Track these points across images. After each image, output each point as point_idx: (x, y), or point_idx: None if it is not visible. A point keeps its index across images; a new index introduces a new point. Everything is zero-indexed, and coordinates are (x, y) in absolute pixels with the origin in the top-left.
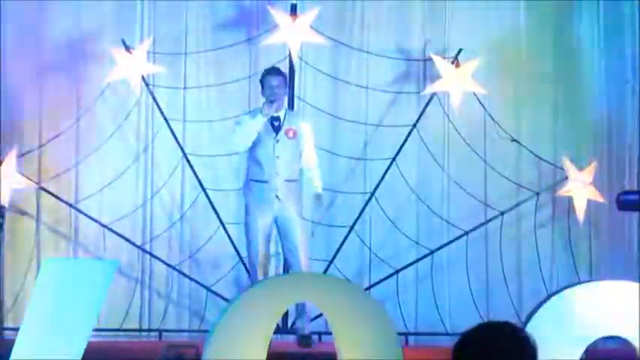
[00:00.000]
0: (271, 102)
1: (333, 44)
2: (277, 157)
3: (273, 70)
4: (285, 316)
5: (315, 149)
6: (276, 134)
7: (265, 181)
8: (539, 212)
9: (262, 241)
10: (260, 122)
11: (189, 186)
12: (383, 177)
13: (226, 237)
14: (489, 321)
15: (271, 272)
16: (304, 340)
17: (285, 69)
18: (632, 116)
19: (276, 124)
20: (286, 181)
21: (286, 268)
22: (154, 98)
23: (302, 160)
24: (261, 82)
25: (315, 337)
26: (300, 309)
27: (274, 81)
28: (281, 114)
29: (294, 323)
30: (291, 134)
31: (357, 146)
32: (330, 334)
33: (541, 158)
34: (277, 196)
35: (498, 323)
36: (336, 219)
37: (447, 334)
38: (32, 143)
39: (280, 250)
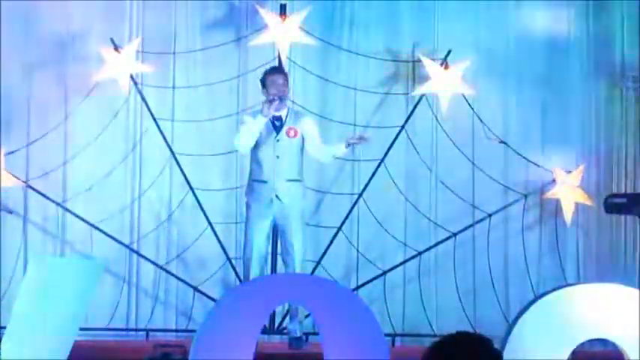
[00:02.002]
0: (271, 101)
1: (322, 45)
2: (277, 156)
3: (277, 69)
4: (273, 316)
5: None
6: (277, 134)
7: (265, 181)
8: (526, 214)
9: (260, 241)
10: (261, 122)
11: (177, 185)
12: (371, 178)
13: (214, 237)
14: (458, 332)
15: (266, 272)
16: (296, 342)
17: None
18: (620, 119)
19: (277, 123)
20: (288, 181)
21: (274, 269)
22: (142, 97)
23: (313, 153)
24: (263, 81)
25: (303, 338)
26: (293, 312)
27: (280, 79)
28: (283, 113)
29: (280, 323)
30: (292, 134)
31: None
32: (317, 334)
33: (529, 160)
34: (277, 196)
35: (467, 334)
36: (324, 220)
37: (434, 335)
38: (20, 141)
39: (273, 250)
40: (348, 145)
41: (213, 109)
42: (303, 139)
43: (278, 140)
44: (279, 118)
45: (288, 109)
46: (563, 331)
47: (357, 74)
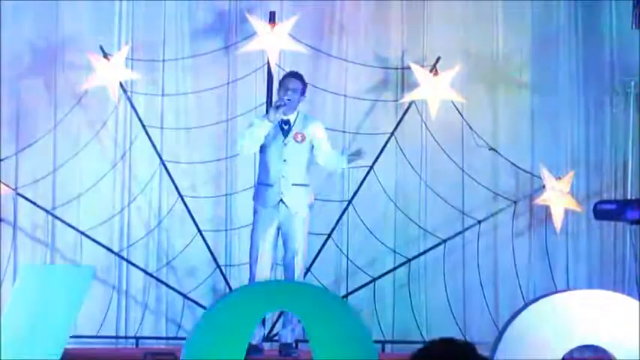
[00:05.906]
0: (278, 107)
1: (312, 52)
2: (284, 160)
3: (293, 74)
4: (262, 324)
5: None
6: (285, 137)
7: (271, 185)
8: (516, 221)
9: (265, 246)
10: (266, 127)
11: (167, 193)
12: (361, 185)
13: (203, 244)
14: (442, 338)
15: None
16: (286, 348)
17: (262, 77)
18: (610, 125)
19: (285, 127)
20: (294, 185)
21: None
22: (131, 105)
23: (322, 161)
24: (280, 83)
25: (293, 345)
26: (287, 318)
27: (291, 83)
28: (291, 117)
29: (271, 329)
30: (299, 138)
31: None
32: (307, 341)
33: (518, 167)
34: (282, 200)
35: (451, 340)
36: (314, 226)
37: (424, 342)
38: (9, 149)
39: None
40: (349, 161)
41: (202, 116)
42: (311, 144)
43: (285, 144)
44: (287, 122)
45: (298, 113)
46: (553, 338)
47: (347, 81)
